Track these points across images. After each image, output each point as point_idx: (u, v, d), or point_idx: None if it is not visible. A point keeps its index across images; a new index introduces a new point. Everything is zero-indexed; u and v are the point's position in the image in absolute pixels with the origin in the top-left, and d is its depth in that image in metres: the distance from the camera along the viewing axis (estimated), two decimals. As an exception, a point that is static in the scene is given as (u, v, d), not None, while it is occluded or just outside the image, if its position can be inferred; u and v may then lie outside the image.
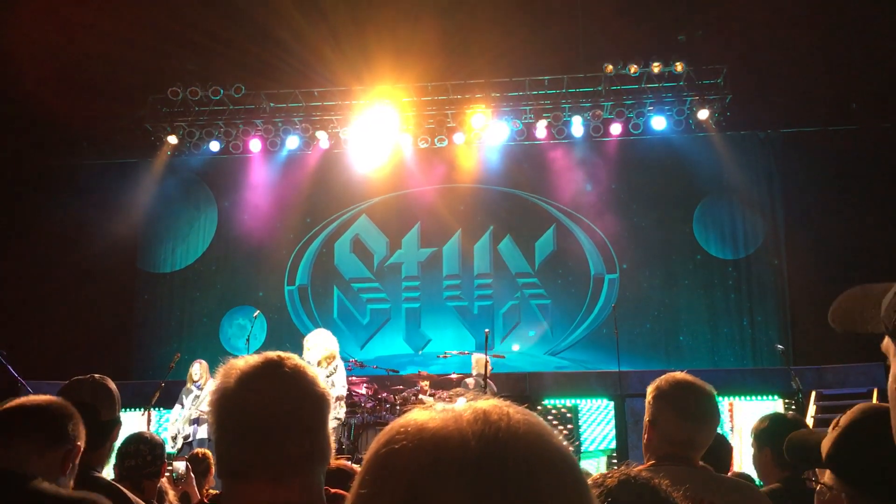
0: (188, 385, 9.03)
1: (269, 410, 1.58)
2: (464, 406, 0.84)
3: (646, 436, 2.60)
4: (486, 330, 9.63)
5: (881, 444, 0.99)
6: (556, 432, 0.85)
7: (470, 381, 9.33)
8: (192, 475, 4.51)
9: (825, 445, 1.77)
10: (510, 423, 0.81)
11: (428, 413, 0.84)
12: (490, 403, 0.84)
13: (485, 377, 8.88)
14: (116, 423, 2.86)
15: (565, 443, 0.85)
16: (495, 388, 9.39)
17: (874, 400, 7.76)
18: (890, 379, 0.97)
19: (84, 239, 13.17)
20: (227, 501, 1.60)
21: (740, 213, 13.19)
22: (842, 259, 11.58)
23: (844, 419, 1.77)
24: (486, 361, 9.07)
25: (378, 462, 0.83)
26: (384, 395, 9.34)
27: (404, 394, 9.57)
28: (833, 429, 1.79)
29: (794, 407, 9.42)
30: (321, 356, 7.83)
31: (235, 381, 1.61)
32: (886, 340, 0.95)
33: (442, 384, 10.14)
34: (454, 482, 0.77)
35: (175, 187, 14.08)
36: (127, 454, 3.76)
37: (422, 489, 0.77)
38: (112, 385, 2.89)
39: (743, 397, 10.20)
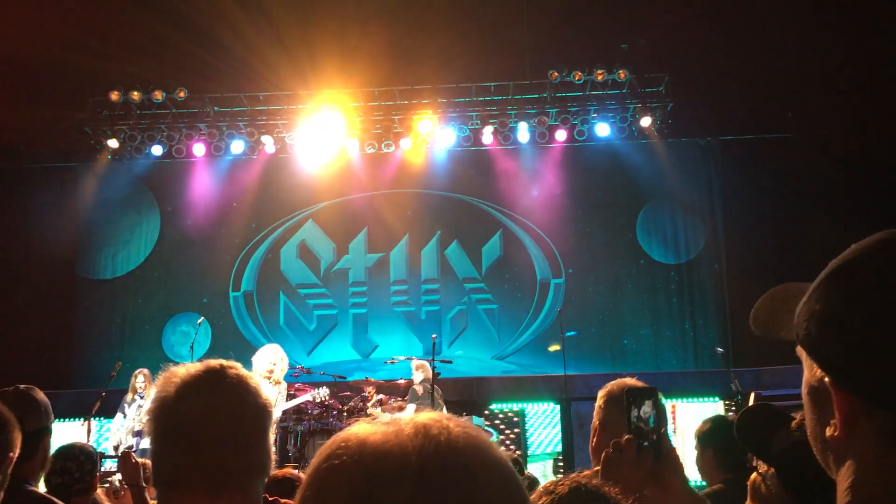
0: (130, 395, 8.80)
1: (209, 422, 1.55)
2: (405, 420, 0.85)
3: (594, 439, 2.64)
4: (434, 335, 9.64)
5: None
6: (496, 444, 0.87)
7: (418, 387, 9.29)
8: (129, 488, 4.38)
9: (779, 443, 1.74)
10: (450, 437, 0.82)
11: (369, 427, 0.85)
12: (430, 417, 0.85)
13: (433, 383, 8.88)
14: (45, 433, 2.78)
15: (505, 455, 0.86)
16: (441, 393, 9.39)
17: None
18: (802, 385, 1.01)
19: (21, 245, 12.80)
20: None
21: (681, 219, 13.46)
22: (779, 263, 11.90)
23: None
24: (428, 366, 9.10)
25: (319, 477, 0.83)
26: (331, 401, 9.27)
27: (351, 403, 9.52)
28: (794, 430, 1.73)
29: (734, 408, 9.65)
30: (275, 377, 7.59)
31: (175, 390, 1.58)
32: (799, 347, 0.99)
33: (389, 390, 10.11)
34: (394, 497, 0.77)
35: (116, 192, 13.75)
36: (53, 472, 3.62)
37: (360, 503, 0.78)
38: (39, 395, 2.81)
39: (685, 399, 10.39)
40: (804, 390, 0.99)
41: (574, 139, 13.22)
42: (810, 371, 0.98)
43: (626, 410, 1.85)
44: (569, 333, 11.71)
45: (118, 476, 4.28)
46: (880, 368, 0.87)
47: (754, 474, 1.92)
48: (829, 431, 0.95)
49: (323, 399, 8.44)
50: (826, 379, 0.93)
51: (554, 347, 12.21)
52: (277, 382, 7.60)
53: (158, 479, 1.59)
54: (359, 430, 0.85)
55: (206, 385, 1.59)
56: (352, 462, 0.81)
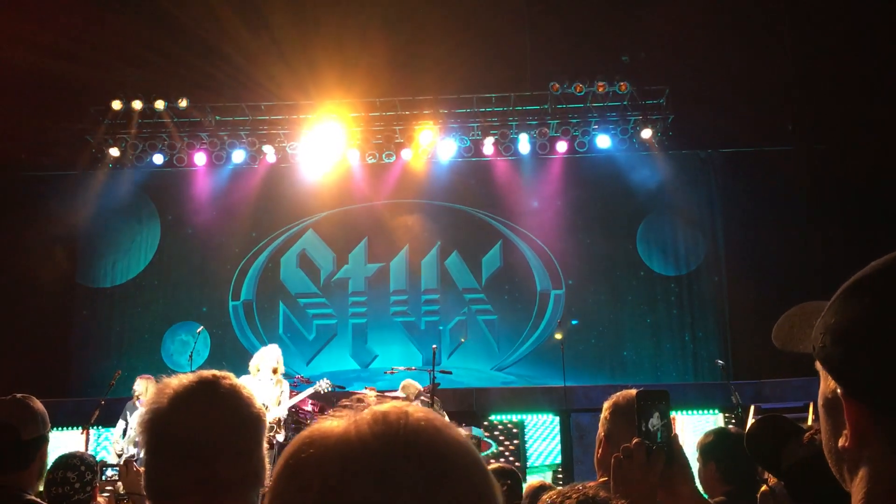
0: (133, 401, 8.72)
1: (202, 433, 1.56)
2: (365, 410, 0.88)
3: (599, 450, 2.61)
4: (434, 346, 9.63)
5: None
6: (454, 426, 0.89)
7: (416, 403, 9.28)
8: (130, 497, 4.37)
9: (789, 457, 1.71)
10: (409, 421, 0.85)
11: (331, 421, 0.88)
12: (390, 405, 0.88)
13: (432, 394, 8.86)
14: (42, 442, 2.76)
15: (464, 435, 0.88)
16: (440, 404, 9.37)
17: (810, 414, 7.97)
18: (818, 396, 1.03)
19: (22, 253, 12.78)
20: None
21: (682, 231, 13.46)
22: (779, 276, 11.90)
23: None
24: (412, 385, 9.15)
25: (287, 472, 0.86)
26: (330, 411, 9.25)
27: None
28: (805, 444, 1.70)
29: (733, 421, 9.63)
30: (271, 375, 7.76)
31: (168, 401, 1.59)
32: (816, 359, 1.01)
33: (389, 400, 10.07)
34: (361, 483, 0.80)
35: (117, 201, 13.76)
36: (53, 482, 3.59)
37: (331, 493, 0.80)
38: (35, 403, 2.79)
39: (684, 412, 10.37)
40: (819, 402, 1.02)
41: (575, 150, 13.25)
42: (825, 383, 1.00)
43: (637, 414, 1.82)
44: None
45: (119, 485, 4.25)
46: (888, 378, 0.89)
47: (764, 487, 1.89)
48: (841, 442, 0.97)
49: (326, 389, 8.53)
50: (838, 390, 0.96)
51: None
52: (280, 382, 7.80)
53: (152, 490, 1.60)
54: (321, 424, 0.88)
55: (200, 396, 1.60)
56: (317, 455, 0.84)
